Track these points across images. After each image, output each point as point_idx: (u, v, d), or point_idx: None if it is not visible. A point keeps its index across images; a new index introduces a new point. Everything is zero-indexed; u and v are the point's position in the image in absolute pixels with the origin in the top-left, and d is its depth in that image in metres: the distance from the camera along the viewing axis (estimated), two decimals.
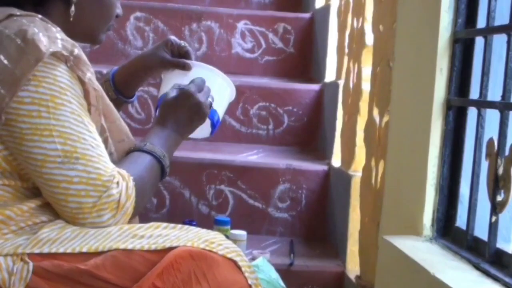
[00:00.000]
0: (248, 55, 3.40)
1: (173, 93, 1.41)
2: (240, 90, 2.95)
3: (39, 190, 1.23)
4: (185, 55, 1.54)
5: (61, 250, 1.17)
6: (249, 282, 1.21)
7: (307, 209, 2.66)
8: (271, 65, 3.40)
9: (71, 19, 1.32)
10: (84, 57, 1.26)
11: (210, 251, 1.18)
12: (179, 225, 1.25)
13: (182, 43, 1.55)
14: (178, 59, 1.52)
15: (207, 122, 1.49)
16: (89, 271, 1.16)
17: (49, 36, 1.21)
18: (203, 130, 1.52)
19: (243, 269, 1.21)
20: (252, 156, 2.82)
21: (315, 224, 2.67)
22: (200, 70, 1.51)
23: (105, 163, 1.22)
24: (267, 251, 2.33)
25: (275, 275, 1.87)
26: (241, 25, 3.38)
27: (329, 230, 2.64)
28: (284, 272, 2.17)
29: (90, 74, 1.26)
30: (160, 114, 1.41)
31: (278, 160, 2.72)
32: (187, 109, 1.40)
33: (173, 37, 1.55)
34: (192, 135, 1.57)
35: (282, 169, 2.65)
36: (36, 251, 1.17)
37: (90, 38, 1.41)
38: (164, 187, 2.62)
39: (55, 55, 1.21)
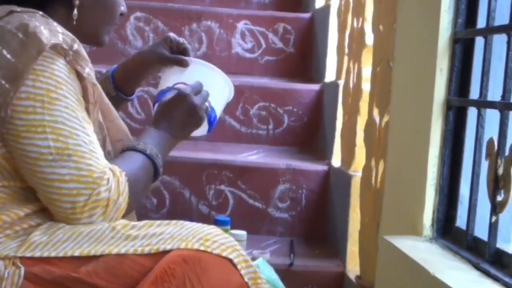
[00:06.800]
0: (248, 55, 3.39)
1: (170, 95, 1.41)
2: (240, 90, 2.95)
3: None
4: (184, 52, 1.54)
5: (53, 254, 1.16)
6: (246, 279, 1.20)
7: (307, 209, 2.66)
8: (271, 65, 3.40)
9: (74, 22, 1.32)
10: (84, 52, 1.26)
11: (204, 251, 1.18)
12: (173, 221, 1.24)
13: (181, 40, 1.55)
14: (177, 55, 1.52)
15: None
16: (81, 279, 1.15)
17: (50, 29, 1.22)
18: (201, 128, 1.52)
19: (239, 266, 1.20)
20: (252, 156, 2.82)
21: (315, 224, 2.67)
22: (198, 67, 1.50)
23: (97, 159, 1.21)
24: (267, 251, 2.33)
25: (274, 276, 1.87)
26: (241, 25, 3.38)
27: (329, 230, 2.64)
28: (284, 272, 2.17)
29: (88, 70, 1.26)
30: (155, 115, 1.40)
31: (278, 160, 2.71)
32: (181, 111, 1.39)
33: (172, 34, 1.55)
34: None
35: (282, 169, 2.65)
36: (28, 254, 1.16)
37: (94, 40, 1.40)
38: (164, 187, 2.62)
39: (55, 49, 1.21)
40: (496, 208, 1.42)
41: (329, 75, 3.06)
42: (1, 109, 1.17)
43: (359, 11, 2.46)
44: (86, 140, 1.21)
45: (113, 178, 1.21)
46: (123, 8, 1.43)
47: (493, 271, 1.39)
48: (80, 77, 1.24)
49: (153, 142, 1.34)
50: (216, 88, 1.50)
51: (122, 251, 1.17)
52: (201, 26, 3.36)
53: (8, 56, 1.17)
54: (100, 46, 1.42)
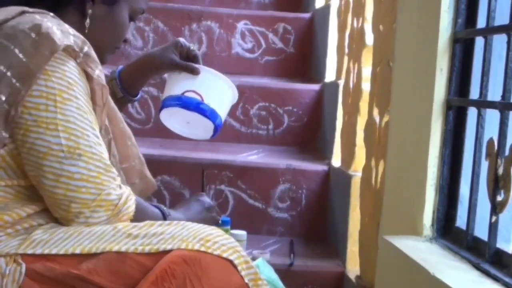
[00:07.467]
0: (248, 55, 3.39)
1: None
2: (240, 90, 2.91)
3: None
4: (194, 59, 1.55)
5: (53, 251, 1.17)
6: (246, 280, 1.21)
7: (307, 209, 2.66)
8: (271, 65, 3.40)
9: (86, 31, 1.34)
10: (94, 54, 1.28)
11: (205, 252, 1.18)
12: (174, 222, 1.25)
13: (192, 46, 1.56)
14: (187, 63, 1.53)
15: (210, 124, 1.51)
16: (82, 276, 1.16)
17: (62, 30, 1.23)
18: (206, 131, 1.54)
19: (239, 267, 1.21)
20: (252, 156, 2.82)
21: (315, 224, 2.67)
22: (205, 75, 1.53)
23: (106, 160, 1.23)
24: (267, 251, 2.33)
25: (274, 276, 1.87)
26: (241, 25, 3.38)
27: (329, 230, 2.64)
28: (284, 272, 2.17)
29: (98, 72, 1.27)
30: (188, 213, 1.51)
31: (278, 160, 2.71)
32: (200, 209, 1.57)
33: (182, 39, 1.56)
34: (195, 136, 1.59)
35: (282, 169, 2.65)
36: (29, 252, 1.17)
37: (97, 55, 1.38)
38: (164, 187, 2.62)
39: (67, 50, 1.22)
40: (496, 208, 1.42)
41: (329, 75, 3.06)
42: (12, 107, 1.18)
43: (359, 11, 2.46)
44: (96, 142, 1.23)
45: (126, 191, 1.25)
46: (128, 35, 1.45)
47: (493, 271, 1.39)
48: (89, 79, 1.26)
49: (172, 211, 1.43)
50: (222, 94, 1.54)
51: (123, 249, 1.18)
52: (201, 26, 3.36)
53: (20, 55, 1.19)
54: (101, 63, 1.42)
